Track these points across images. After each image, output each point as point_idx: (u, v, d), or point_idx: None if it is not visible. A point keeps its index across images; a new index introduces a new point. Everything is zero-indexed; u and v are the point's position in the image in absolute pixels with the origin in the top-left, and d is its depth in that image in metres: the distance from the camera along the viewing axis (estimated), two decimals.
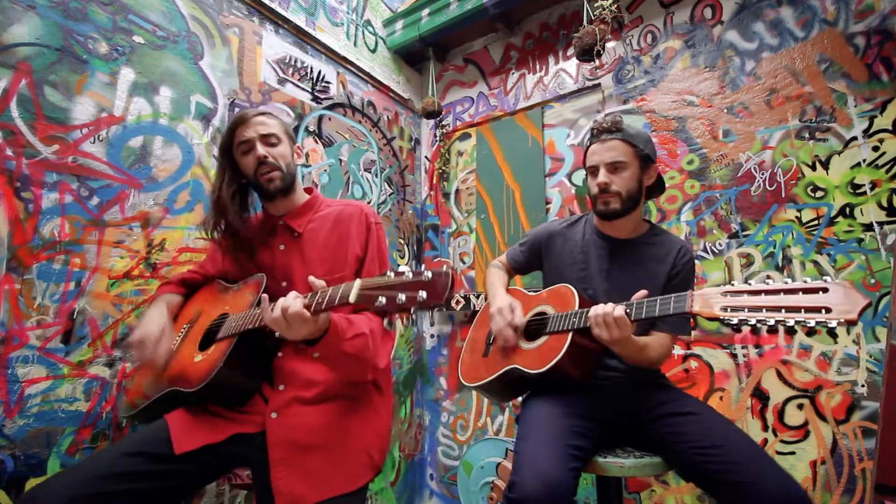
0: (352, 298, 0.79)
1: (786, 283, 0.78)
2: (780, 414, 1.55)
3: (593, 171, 1.24)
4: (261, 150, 1.13)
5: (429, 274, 0.73)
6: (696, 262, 1.75)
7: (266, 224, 1.22)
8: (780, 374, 1.56)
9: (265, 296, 0.92)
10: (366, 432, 1.04)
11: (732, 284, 0.85)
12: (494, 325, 1.24)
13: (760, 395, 1.59)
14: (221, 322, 1.07)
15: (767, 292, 0.79)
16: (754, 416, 1.59)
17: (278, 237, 1.19)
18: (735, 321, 0.80)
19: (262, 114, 1.17)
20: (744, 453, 0.93)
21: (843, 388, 1.47)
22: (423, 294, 0.71)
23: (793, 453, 1.52)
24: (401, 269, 0.76)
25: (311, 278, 0.90)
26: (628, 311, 0.99)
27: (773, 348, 1.58)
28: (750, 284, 0.82)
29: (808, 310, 0.73)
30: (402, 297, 0.73)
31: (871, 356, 1.44)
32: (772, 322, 0.76)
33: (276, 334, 0.89)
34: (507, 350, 1.25)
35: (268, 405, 1.01)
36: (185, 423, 0.98)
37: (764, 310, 0.78)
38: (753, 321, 0.78)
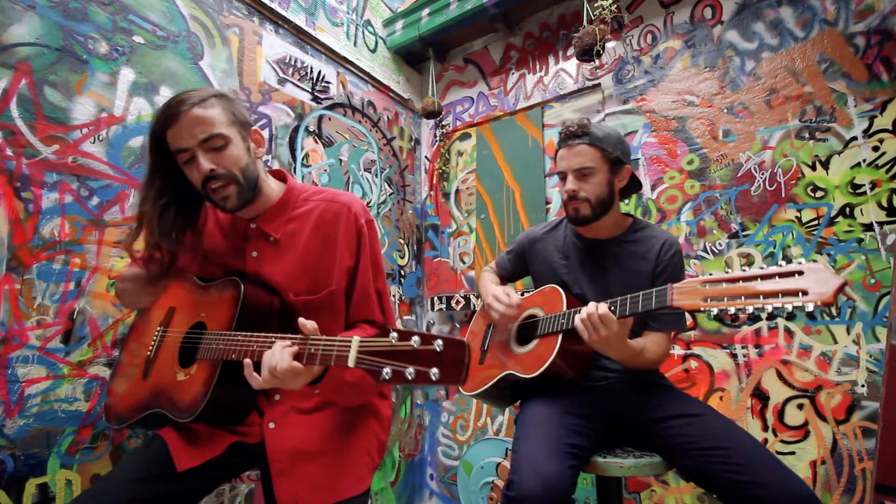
0: (350, 363, 0.69)
1: (762, 268, 0.78)
2: (780, 414, 1.55)
3: (562, 176, 1.23)
4: (205, 163, 0.88)
5: (440, 343, 0.63)
6: (697, 262, 1.75)
7: (235, 226, 1.04)
8: (780, 374, 1.56)
9: (248, 361, 0.80)
10: (367, 435, 1.02)
11: (711, 274, 0.85)
12: (494, 312, 1.24)
13: (760, 395, 1.59)
14: (199, 335, 0.96)
15: (745, 279, 0.78)
16: (754, 416, 1.59)
17: (250, 243, 1.02)
18: (716, 311, 0.79)
19: (198, 103, 0.89)
20: (749, 454, 0.93)
21: (843, 388, 1.47)
22: (435, 372, 0.62)
23: (793, 453, 1.52)
24: (404, 327, 0.69)
25: (301, 321, 0.78)
26: (612, 308, 0.98)
27: (773, 348, 1.59)
28: (727, 273, 0.82)
29: (785, 294, 0.73)
30: (411, 371, 0.64)
31: (871, 356, 1.44)
32: (751, 309, 0.75)
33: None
34: (502, 355, 1.25)
35: (264, 416, 0.97)
36: (183, 439, 0.94)
37: (743, 297, 0.77)
38: (733, 310, 0.77)
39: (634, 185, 1.29)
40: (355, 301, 1.03)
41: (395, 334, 0.67)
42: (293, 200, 1.04)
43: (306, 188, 1.09)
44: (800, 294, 0.71)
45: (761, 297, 0.75)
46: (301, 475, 0.91)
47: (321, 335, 0.77)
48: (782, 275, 0.74)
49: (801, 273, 0.72)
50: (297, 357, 0.76)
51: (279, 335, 0.81)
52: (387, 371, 0.65)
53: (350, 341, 0.70)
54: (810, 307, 0.70)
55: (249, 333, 0.86)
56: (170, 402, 0.92)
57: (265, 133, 1.72)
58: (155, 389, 0.97)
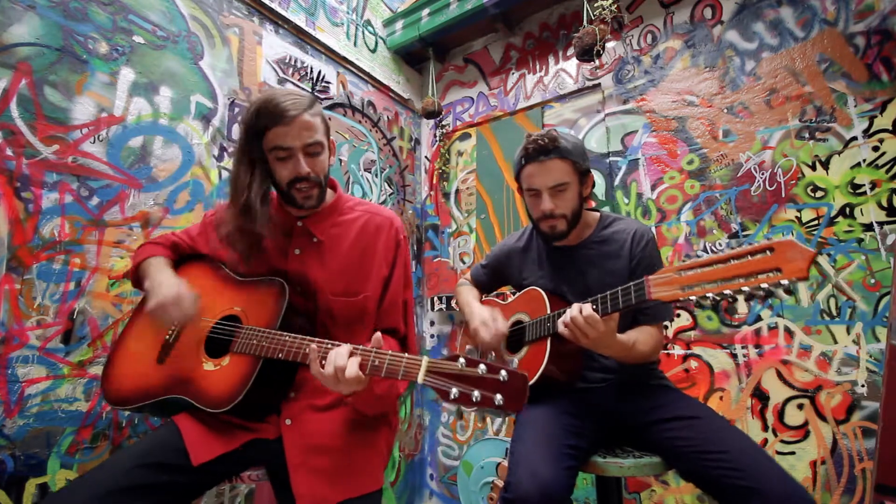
0: (419, 380, 0.74)
1: (732, 248, 0.77)
2: (780, 414, 1.55)
3: (534, 194, 1.19)
4: (305, 166, 0.97)
5: (504, 374, 0.69)
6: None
7: (280, 222, 1.07)
8: (780, 374, 1.56)
9: (314, 346, 0.84)
10: (378, 434, 1.03)
11: (684, 261, 0.83)
12: (481, 338, 1.21)
13: (760, 395, 1.59)
14: (233, 328, 0.98)
15: (718, 261, 0.77)
16: (754, 416, 1.59)
17: (294, 240, 1.06)
18: (694, 299, 0.79)
19: (307, 109, 0.97)
20: (748, 458, 0.92)
21: (843, 388, 1.47)
22: (499, 398, 0.68)
23: (793, 453, 1.52)
24: (469, 354, 0.72)
25: (378, 335, 0.83)
26: (594, 307, 0.97)
27: (773, 348, 1.59)
28: (700, 256, 0.81)
29: (760, 272, 0.72)
30: (476, 394, 0.69)
31: (871, 356, 1.44)
32: (728, 292, 0.74)
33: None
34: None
35: (280, 413, 0.98)
36: (200, 431, 0.93)
37: (719, 281, 0.76)
38: (711, 295, 0.76)
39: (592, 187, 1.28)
40: (384, 308, 1.07)
41: (462, 360, 0.73)
42: (340, 207, 1.11)
43: (352, 198, 1.16)
44: (773, 272, 0.70)
45: (737, 278, 0.74)
46: (319, 470, 0.92)
47: (384, 349, 0.81)
48: (754, 252, 0.73)
49: (771, 249, 0.72)
50: (360, 367, 0.81)
51: (339, 342, 0.85)
52: (454, 392, 0.70)
53: (420, 360, 0.76)
54: (786, 283, 0.69)
55: (299, 336, 0.90)
56: (195, 391, 0.93)
57: None
58: (174, 375, 0.97)
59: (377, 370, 0.80)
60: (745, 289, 0.73)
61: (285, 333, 0.91)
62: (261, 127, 0.96)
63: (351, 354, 0.81)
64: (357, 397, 0.90)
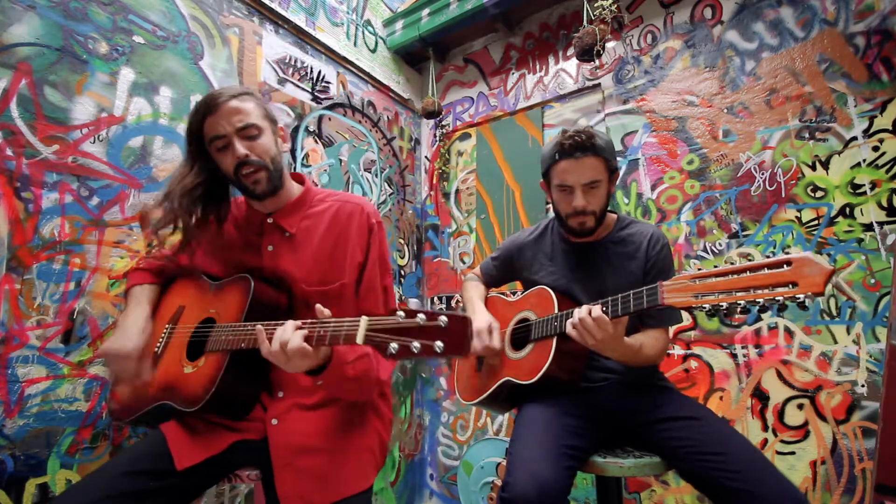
0: (359, 340, 0.73)
1: (750, 259, 0.77)
2: (780, 414, 1.55)
3: (566, 189, 1.17)
4: (240, 149, 0.96)
5: (444, 319, 0.67)
6: (696, 261, 1.75)
7: (250, 221, 1.09)
8: (780, 374, 1.56)
9: (259, 328, 0.83)
10: (369, 433, 1.02)
11: (699, 269, 0.84)
12: (473, 347, 1.20)
13: (760, 395, 1.59)
14: (208, 329, 0.99)
15: (734, 272, 0.78)
16: (754, 416, 1.59)
17: (266, 237, 1.07)
18: (708, 307, 0.79)
19: (236, 96, 0.98)
20: (745, 461, 0.92)
21: (843, 388, 1.47)
22: (440, 345, 0.66)
23: (793, 453, 1.52)
24: (411, 305, 0.70)
25: (318, 307, 0.82)
26: (604, 309, 0.97)
27: (773, 348, 1.59)
28: (717, 266, 0.81)
29: (776, 285, 0.73)
30: (416, 345, 0.67)
31: (871, 356, 1.44)
32: (743, 303, 0.75)
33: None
34: (499, 361, 1.25)
35: (267, 412, 0.98)
36: (184, 435, 0.94)
37: (734, 291, 0.77)
38: (725, 305, 0.77)
39: None
40: (361, 295, 1.07)
41: (401, 313, 0.71)
42: (310, 200, 1.11)
43: (322, 190, 1.15)
44: (790, 286, 0.71)
45: (752, 290, 0.75)
46: (304, 470, 0.91)
47: (331, 318, 0.80)
48: (771, 266, 0.74)
49: (789, 263, 0.72)
50: (306, 340, 0.80)
51: (285, 322, 0.84)
52: (393, 346, 0.69)
53: (359, 321, 0.75)
54: (801, 297, 0.69)
55: (260, 323, 0.88)
56: (178, 394, 0.94)
57: None
58: (162, 384, 0.98)
59: (322, 340, 0.79)
60: (759, 300, 0.73)
61: (248, 324, 0.90)
62: (196, 122, 0.98)
63: (297, 329, 0.81)
64: (328, 381, 0.89)
